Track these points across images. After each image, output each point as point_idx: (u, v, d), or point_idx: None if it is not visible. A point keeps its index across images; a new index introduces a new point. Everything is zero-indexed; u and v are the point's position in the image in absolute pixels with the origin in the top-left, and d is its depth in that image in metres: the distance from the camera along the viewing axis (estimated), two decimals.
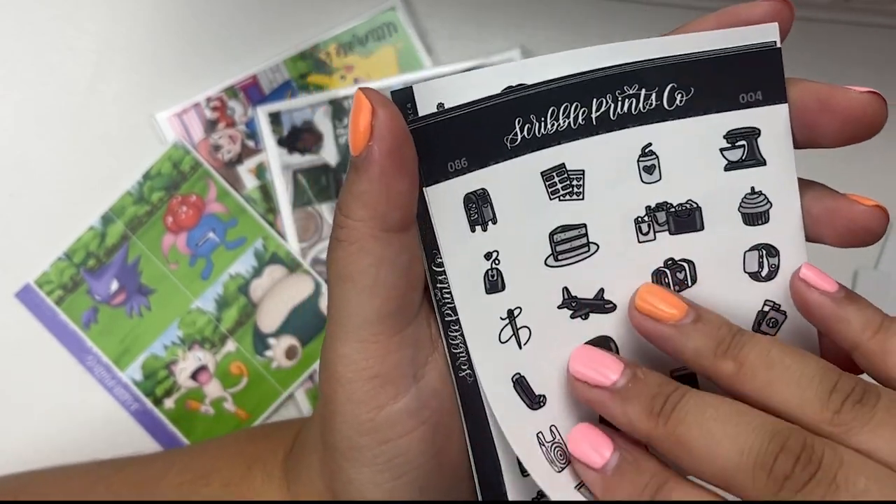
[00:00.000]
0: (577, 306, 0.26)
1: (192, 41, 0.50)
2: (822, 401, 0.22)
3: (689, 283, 0.27)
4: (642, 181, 0.26)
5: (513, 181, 0.25)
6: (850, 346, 0.24)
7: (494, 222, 0.25)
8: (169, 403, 0.49)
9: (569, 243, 0.26)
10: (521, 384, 0.26)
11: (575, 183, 0.26)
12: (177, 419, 0.49)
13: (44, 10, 0.50)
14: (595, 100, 0.25)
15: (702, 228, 0.26)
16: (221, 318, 0.49)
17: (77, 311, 0.49)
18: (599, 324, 0.26)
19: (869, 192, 0.26)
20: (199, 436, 0.49)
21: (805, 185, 0.27)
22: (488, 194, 0.25)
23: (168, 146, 0.49)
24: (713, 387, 0.25)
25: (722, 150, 0.26)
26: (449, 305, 0.26)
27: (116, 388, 0.49)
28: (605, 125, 0.25)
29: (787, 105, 0.26)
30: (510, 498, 0.26)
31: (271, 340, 0.49)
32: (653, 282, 0.26)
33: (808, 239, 0.27)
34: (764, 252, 0.27)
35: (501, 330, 0.26)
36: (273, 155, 0.49)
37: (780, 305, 0.27)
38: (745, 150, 0.26)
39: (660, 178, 0.26)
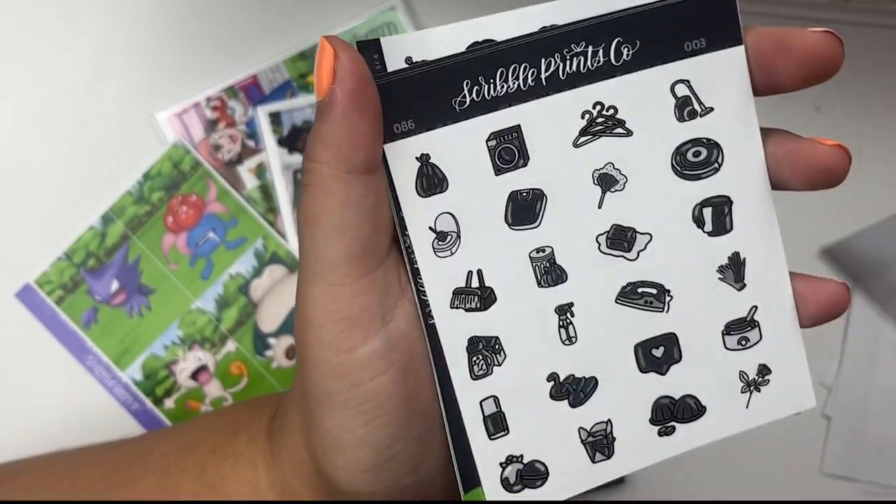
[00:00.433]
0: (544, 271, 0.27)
1: (192, 41, 0.50)
2: None
3: (642, 243, 0.27)
4: (598, 141, 0.26)
5: (462, 144, 0.25)
6: None
7: (446, 186, 0.26)
8: (169, 403, 0.49)
9: (526, 208, 0.26)
10: (477, 348, 0.26)
11: (527, 144, 0.26)
12: (177, 419, 0.49)
13: (44, 10, 0.50)
14: (544, 60, 0.25)
15: (657, 185, 0.27)
16: (221, 318, 0.49)
17: (77, 311, 0.49)
18: (560, 290, 0.27)
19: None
20: None
21: (767, 131, 0.27)
22: (435, 157, 0.25)
23: (168, 146, 0.49)
24: None
25: (673, 100, 0.26)
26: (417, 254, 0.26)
27: (116, 387, 0.49)
28: (555, 85, 0.25)
29: (741, 47, 0.26)
30: (474, 449, 0.27)
31: (271, 340, 0.49)
32: (607, 246, 0.26)
33: (774, 186, 0.27)
34: (711, 206, 0.27)
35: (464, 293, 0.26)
36: (273, 155, 0.49)
37: (739, 254, 0.27)
38: (689, 99, 0.26)
39: (618, 138, 0.26)
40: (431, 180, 0.26)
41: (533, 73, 0.25)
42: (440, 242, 0.26)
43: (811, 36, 0.25)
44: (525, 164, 0.26)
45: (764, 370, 0.28)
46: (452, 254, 0.26)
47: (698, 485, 0.48)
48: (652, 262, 0.27)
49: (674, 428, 0.27)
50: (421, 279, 0.26)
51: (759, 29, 0.26)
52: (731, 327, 0.27)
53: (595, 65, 0.25)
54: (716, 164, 0.26)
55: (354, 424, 0.26)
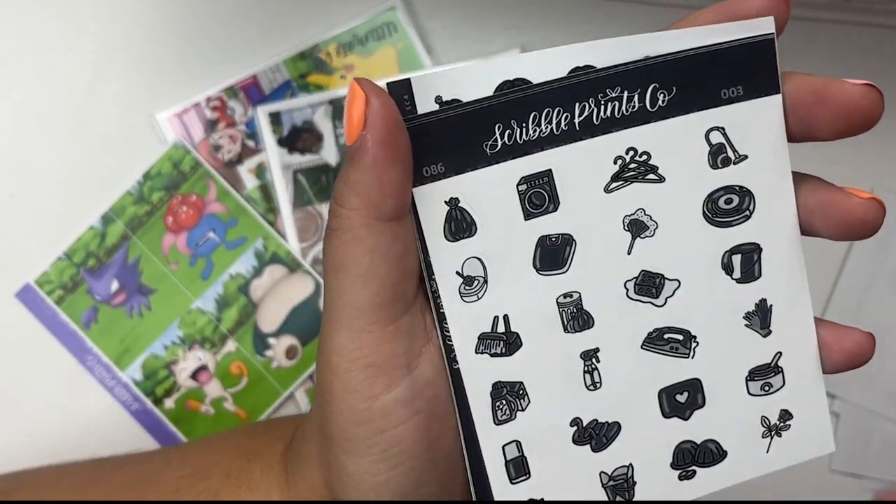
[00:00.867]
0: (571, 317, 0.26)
1: (192, 41, 0.50)
2: None
3: (671, 289, 0.27)
4: (629, 187, 0.26)
5: (492, 188, 0.25)
6: None
7: (474, 230, 0.25)
8: (169, 403, 0.49)
9: (555, 253, 0.26)
10: (501, 393, 0.26)
11: (558, 189, 0.25)
12: (177, 419, 0.49)
13: (44, 10, 0.50)
14: (578, 104, 0.25)
15: (691, 231, 0.26)
16: (221, 317, 0.49)
17: (77, 311, 0.49)
18: (587, 335, 0.26)
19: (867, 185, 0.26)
20: (200, 436, 0.49)
21: (799, 178, 0.26)
22: (465, 201, 0.25)
23: (168, 146, 0.49)
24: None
25: (707, 146, 0.26)
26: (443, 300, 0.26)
27: (116, 388, 0.49)
28: (589, 130, 0.25)
29: (778, 97, 0.25)
30: (495, 494, 0.27)
31: (271, 340, 0.49)
32: (635, 292, 0.26)
33: (803, 232, 0.27)
34: (741, 253, 0.26)
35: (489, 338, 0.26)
36: (273, 155, 0.49)
37: (766, 301, 0.27)
38: (723, 146, 0.26)
39: (651, 184, 0.26)
40: (460, 224, 0.25)
41: (566, 117, 0.25)
42: (467, 287, 0.26)
43: (851, 89, 0.24)
44: (555, 209, 0.26)
45: (785, 415, 0.28)
46: (479, 298, 0.26)
47: None
48: (679, 309, 0.26)
49: (694, 472, 0.27)
50: (447, 324, 0.26)
51: (798, 77, 0.25)
52: (755, 373, 0.27)
53: (630, 110, 0.25)
54: (747, 212, 0.26)
55: (377, 469, 0.26)
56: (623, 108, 0.25)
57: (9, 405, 0.49)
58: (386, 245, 0.24)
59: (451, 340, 0.26)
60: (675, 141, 0.26)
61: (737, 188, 0.26)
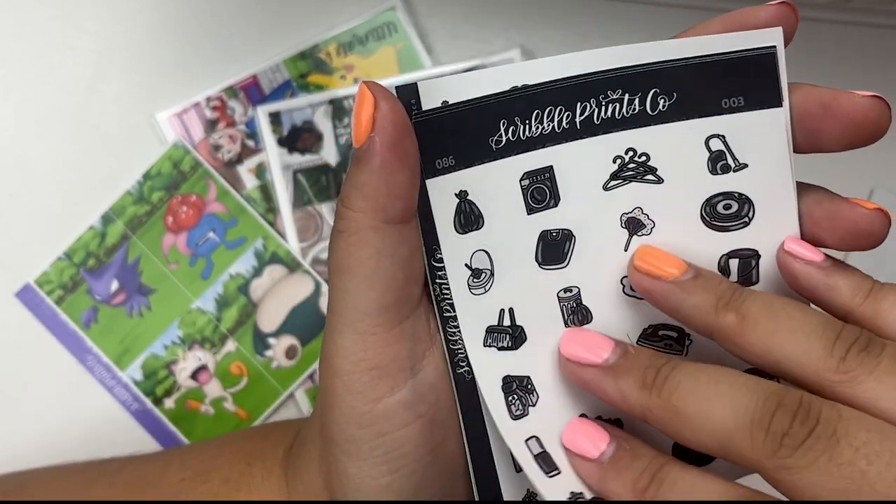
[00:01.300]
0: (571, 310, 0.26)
1: (192, 41, 0.50)
2: (826, 349, 0.22)
3: None
4: (628, 186, 0.26)
5: (498, 182, 0.25)
6: (842, 313, 0.24)
7: (482, 223, 0.26)
8: (169, 403, 0.49)
9: (556, 248, 0.26)
10: (511, 388, 0.26)
11: (559, 185, 0.26)
12: (177, 419, 0.49)
13: (44, 10, 0.50)
14: (579, 104, 0.25)
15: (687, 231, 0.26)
16: (221, 317, 0.49)
17: (77, 311, 0.49)
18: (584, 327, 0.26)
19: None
20: (200, 436, 0.49)
21: (804, 188, 0.26)
22: (473, 194, 0.25)
23: (168, 146, 0.49)
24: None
25: (706, 153, 0.26)
26: (448, 301, 0.26)
27: (116, 388, 0.49)
28: (589, 129, 0.25)
29: (781, 109, 0.26)
30: (504, 496, 0.27)
31: (271, 340, 0.49)
32: (630, 289, 0.26)
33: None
34: (738, 258, 0.26)
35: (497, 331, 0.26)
36: (273, 155, 0.49)
37: None
38: (723, 154, 0.26)
39: (648, 185, 0.26)
40: (469, 217, 0.26)
41: (568, 115, 0.25)
42: (475, 280, 0.26)
43: (859, 101, 0.24)
44: (556, 205, 0.26)
45: None
46: (486, 291, 0.26)
47: None
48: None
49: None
50: (450, 327, 0.26)
51: (806, 89, 0.25)
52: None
53: (630, 112, 0.25)
54: (746, 219, 0.26)
55: (378, 473, 0.26)
56: (623, 109, 0.25)
57: (9, 405, 0.49)
58: (392, 248, 0.24)
59: (455, 344, 0.26)
60: (675, 144, 0.26)
61: (736, 195, 0.26)
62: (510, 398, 0.26)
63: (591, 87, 0.25)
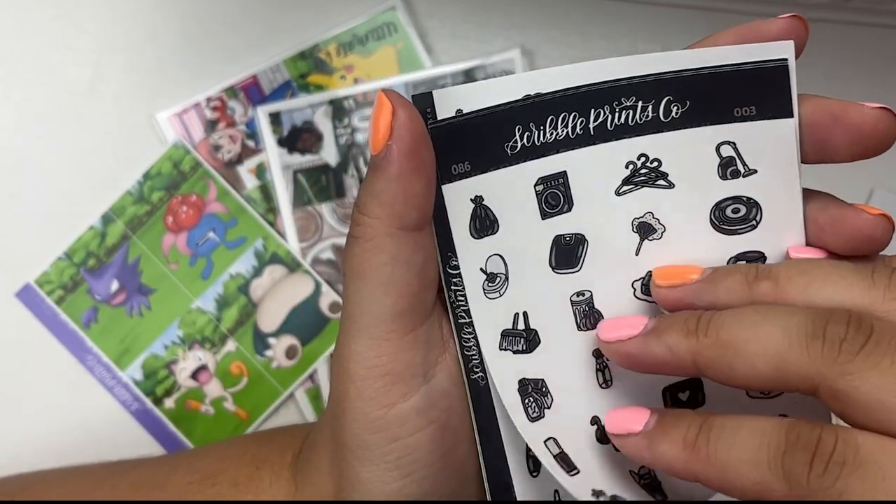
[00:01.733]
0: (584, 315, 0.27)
1: (192, 41, 0.50)
2: (867, 282, 0.22)
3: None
4: (639, 191, 0.26)
5: (512, 188, 0.26)
6: (862, 307, 0.23)
7: (497, 228, 0.26)
8: (169, 403, 0.49)
9: (569, 252, 0.26)
10: (527, 390, 0.26)
11: (572, 190, 0.26)
12: (177, 419, 0.49)
13: (44, 10, 0.50)
14: (593, 110, 0.25)
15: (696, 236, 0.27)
16: (221, 317, 0.49)
17: (77, 311, 0.49)
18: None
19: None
20: (200, 435, 0.49)
21: (811, 194, 0.27)
22: (488, 200, 0.26)
23: (168, 146, 0.49)
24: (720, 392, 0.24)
25: (717, 160, 0.26)
26: (462, 308, 0.26)
27: (116, 387, 0.49)
28: (602, 135, 0.26)
29: (791, 120, 0.26)
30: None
31: (271, 340, 0.49)
32: (641, 292, 0.27)
33: (814, 248, 0.27)
34: (745, 260, 0.27)
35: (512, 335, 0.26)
36: (273, 155, 0.49)
37: None
38: (733, 160, 0.26)
39: (660, 190, 0.26)
40: (484, 222, 0.26)
41: (582, 122, 0.26)
42: (490, 284, 0.26)
43: (869, 113, 0.25)
44: (569, 210, 0.26)
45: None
46: (501, 295, 0.26)
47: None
48: None
49: None
50: (465, 333, 0.26)
51: (815, 100, 0.26)
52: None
53: (643, 119, 0.26)
54: (753, 222, 0.26)
55: (390, 478, 0.26)
56: (637, 116, 0.26)
57: (9, 405, 0.49)
58: (408, 254, 0.25)
59: (469, 350, 0.26)
60: (686, 151, 0.26)
61: (744, 199, 0.26)
62: (526, 401, 0.26)
63: (605, 94, 0.25)
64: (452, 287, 0.26)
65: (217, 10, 0.50)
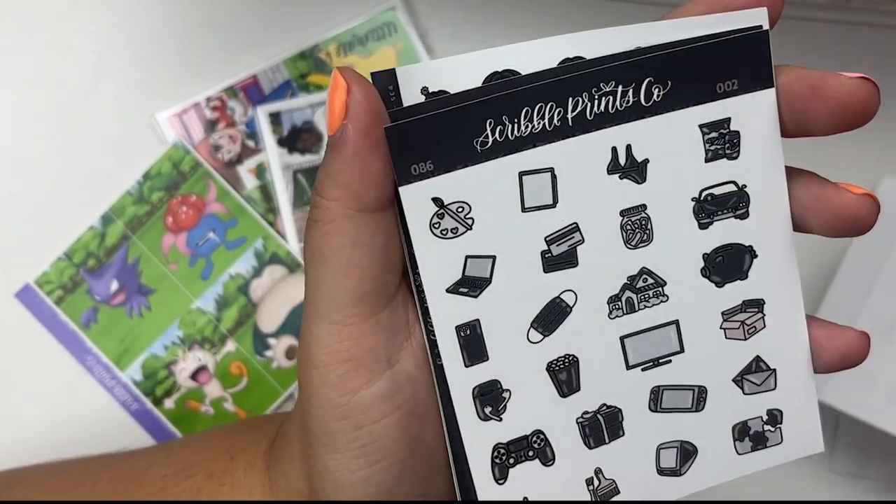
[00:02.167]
0: (546, 322, 0.26)
1: (192, 41, 0.50)
2: None
3: (663, 295, 0.26)
4: (624, 184, 0.26)
5: (486, 185, 0.25)
6: None
7: (464, 228, 0.25)
8: (169, 403, 0.49)
9: (560, 247, 0.26)
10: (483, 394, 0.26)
11: (553, 186, 0.25)
12: (177, 419, 0.49)
13: (44, 10, 0.50)
14: (571, 99, 0.24)
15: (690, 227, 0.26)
16: (221, 318, 0.49)
17: (77, 311, 0.49)
18: (564, 339, 0.26)
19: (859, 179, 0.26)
20: None
21: (793, 172, 0.26)
22: (456, 198, 0.25)
23: (168, 146, 0.49)
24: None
25: (702, 142, 0.26)
26: None
27: (116, 388, 0.49)
28: (582, 126, 0.25)
29: (773, 90, 0.25)
30: (478, 491, 0.26)
31: (271, 340, 0.49)
32: (628, 284, 0.26)
33: (796, 228, 0.26)
34: (732, 246, 0.26)
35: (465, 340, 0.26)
36: (273, 155, 0.49)
37: (761, 306, 0.27)
38: (721, 141, 0.25)
39: (644, 180, 0.26)
40: (449, 222, 0.25)
41: (559, 112, 0.24)
42: (461, 287, 0.25)
43: (847, 82, 0.24)
44: (553, 205, 0.25)
45: (776, 415, 0.27)
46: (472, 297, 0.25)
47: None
48: (669, 305, 0.26)
49: (680, 472, 0.27)
50: (430, 320, 0.25)
51: (793, 70, 0.25)
52: (746, 372, 0.27)
53: (624, 105, 0.25)
54: (740, 205, 0.26)
55: (357, 465, 0.25)
56: (617, 102, 0.25)
57: (8, 405, 0.49)
58: (367, 236, 0.24)
59: (434, 335, 0.26)
60: (669, 136, 0.25)
61: (730, 183, 0.26)
62: (478, 403, 0.26)
63: (583, 80, 0.24)
64: (417, 272, 0.25)
65: (217, 10, 0.50)
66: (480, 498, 0.26)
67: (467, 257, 0.25)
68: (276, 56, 0.50)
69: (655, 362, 0.27)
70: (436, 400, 0.26)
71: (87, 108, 0.50)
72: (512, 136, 0.24)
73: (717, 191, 0.26)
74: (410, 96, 0.24)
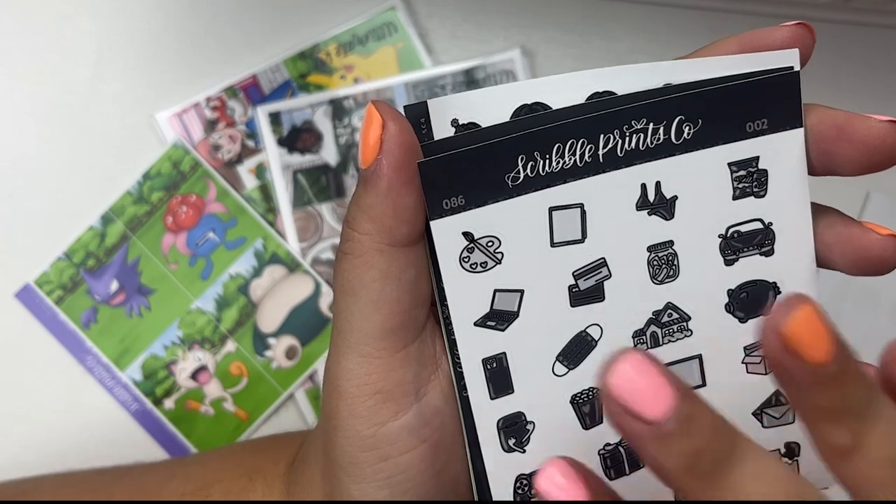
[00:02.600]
0: (573, 357, 0.26)
1: (192, 41, 0.50)
2: None
3: (687, 329, 0.26)
4: (652, 220, 0.26)
5: (517, 220, 0.25)
6: None
7: (493, 263, 0.25)
8: (169, 404, 0.49)
9: (587, 281, 0.25)
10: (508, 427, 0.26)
11: (582, 221, 0.25)
12: (177, 419, 0.48)
13: (44, 10, 0.50)
14: (602, 136, 0.24)
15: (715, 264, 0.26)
16: (221, 318, 0.49)
17: (77, 311, 0.49)
18: (590, 372, 0.26)
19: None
20: (199, 436, 0.49)
21: (818, 210, 0.26)
22: (487, 234, 0.25)
23: (168, 146, 0.49)
24: None
25: (730, 180, 0.26)
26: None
27: (116, 388, 0.49)
28: (612, 163, 0.25)
29: (801, 130, 0.25)
30: None
31: (271, 340, 0.49)
32: (653, 318, 0.26)
33: (820, 265, 0.26)
34: (757, 283, 0.26)
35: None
36: (273, 155, 0.49)
37: None
38: (749, 179, 0.26)
39: (672, 216, 0.26)
40: (479, 257, 0.25)
41: (590, 149, 0.24)
42: (489, 321, 0.25)
43: (876, 125, 0.24)
44: (582, 240, 0.25)
45: (793, 448, 0.27)
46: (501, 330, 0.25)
47: None
48: (695, 338, 0.26)
49: None
50: (458, 349, 0.25)
51: (821, 111, 0.25)
52: (766, 407, 0.27)
53: (654, 142, 0.25)
54: (766, 243, 0.26)
55: (381, 496, 0.25)
56: (648, 140, 0.25)
57: (8, 405, 0.49)
58: (398, 271, 0.24)
59: (461, 367, 0.26)
60: (699, 173, 0.25)
61: (757, 220, 0.26)
62: (502, 434, 0.26)
63: (614, 117, 0.24)
64: (445, 303, 0.25)
65: (217, 10, 0.50)
66: None
67: (496, 291, 0.25)
68: (276, 56, 0.50)
69: None
70: (461, 432, 0.26)
71: (87, 108, 0.50)
72: (543, 171, 0.24)
73: (743, 228, 0.26)
74: (441, 128, 0.24)
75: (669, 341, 0.26)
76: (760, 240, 0.26)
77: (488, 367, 0.25)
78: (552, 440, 0.26)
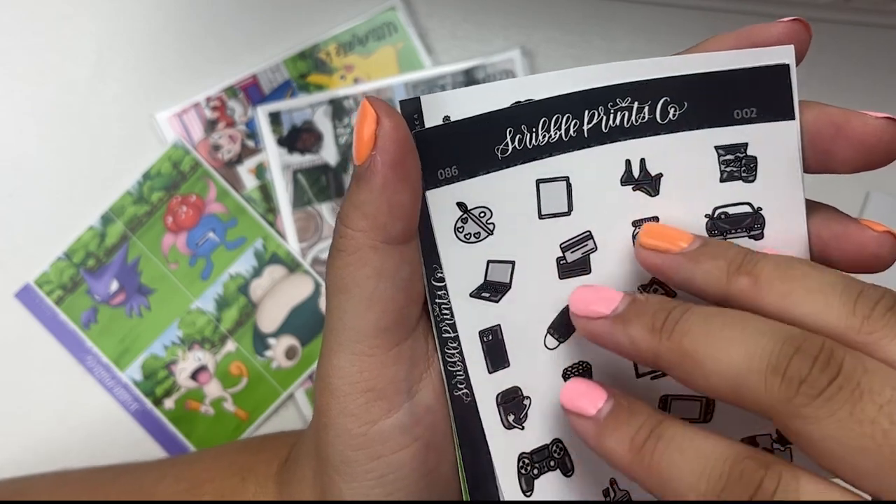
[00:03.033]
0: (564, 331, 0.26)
1: (192, 41, 0.50)
2: (848, 308, 0.21)
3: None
4: (638, 194, 0.26)
5: (505, 191, 0.25)
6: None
7: (485, 233, 0.25)
8: (169, 403, 0.49)
9: (574, 254, 0.26)
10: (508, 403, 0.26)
11: (568, 194, 0.25)
12: (177, 419, 0.49)
13: (44, 10, 0.50)
14: (587, 112, 0.25)
15: None
16: (221, 318, 0.49)
17: (77, 311, 0.49)
18: (579, 345, 0.26)
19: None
20: (199, 436, 0.49)
21: (814, 207, 0.26)
22: (477, 205, 0.25)
23: (168, 146, 0.49)
24: None
25: (717, 162, 0.26)
26: (447, 322, 0.25)
27: (116, 388, 0.49)
28: (597, 138, 0.25)
29: (794, 122, 0.25)
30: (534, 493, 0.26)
31: (271, 340, 0.49)
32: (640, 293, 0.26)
33: (817, 262, 0.26)
34: None
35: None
36: (273, 155, 0.49)
37: None
38: (737, 164, 0.26)
39: (657, 193, 0.26)
40: (472, 227, 0.25)
41: (576, 123, 0.25)
42: (480, 292, 0.25)
43: (872, 122, 0.24)
44: (568, 213, 0.25)
45: (782, 442, 0.27)
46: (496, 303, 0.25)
47: None
48: None
49: None
50: (449, 348, 0.25)
51: (817, 108, 0.25)
52: None
53: (639, 121, 0.25)
54: (755, 229, 0.26)
55: (373, 494, 0.25)
56: (633, 118, 0.25)
57: (8, 406, 0.49)
58: (392, 268, 0.24)
59: (453, 366, 0.26)
60: (684, 153, 0.25)
61: (745, 204, 0.26)
62: (502, 410, 0.26)
63: (599, 95, 0.25)
64: (437, 300, 0.25)
65: (217, 10, 0.50)
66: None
67: (489, 262, 0.25)
68: (275, 56, 0.50)
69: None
70: (454, 432, 0.26)
71: (87, 108, 0.50)
72: (530, 144, 0.25)
73: (731, 210, 0.26)
74: (433, 124, 0.24)
75: None
76: (750, 223, 0.26)
77: (485, 339, 0.25)
78: (548, 416, 0.26)
